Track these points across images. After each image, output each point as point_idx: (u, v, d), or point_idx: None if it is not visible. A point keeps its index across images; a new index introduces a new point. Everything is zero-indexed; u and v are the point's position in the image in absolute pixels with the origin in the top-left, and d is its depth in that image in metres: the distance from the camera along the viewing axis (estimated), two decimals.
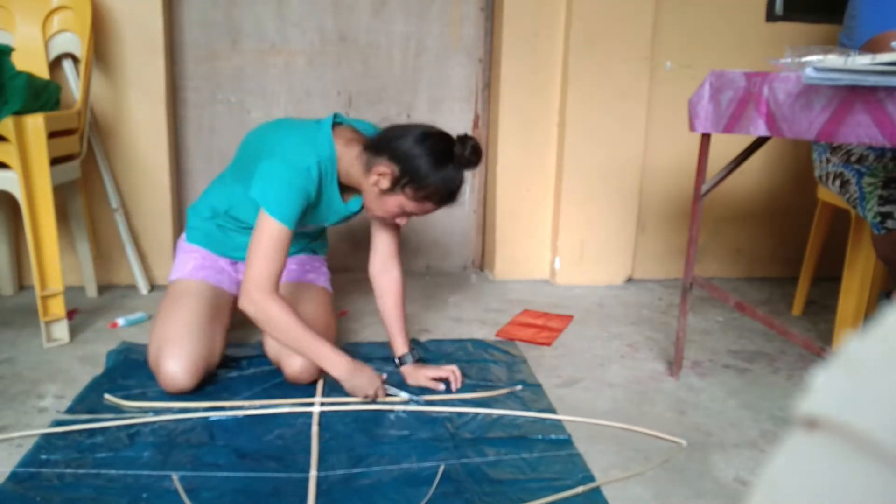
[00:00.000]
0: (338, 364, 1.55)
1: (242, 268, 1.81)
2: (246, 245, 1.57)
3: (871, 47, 1.73)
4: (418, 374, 1.69)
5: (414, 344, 1.85)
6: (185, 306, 1.66)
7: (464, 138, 1.54)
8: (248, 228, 1.70)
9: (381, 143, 1.56)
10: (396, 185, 1.53)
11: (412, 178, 1.51)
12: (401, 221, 1.62)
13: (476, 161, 1.54)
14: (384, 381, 1.62)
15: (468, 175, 2.74)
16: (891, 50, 1.69)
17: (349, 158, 1.60)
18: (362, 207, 1.71)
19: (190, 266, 1.78)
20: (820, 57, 1.38)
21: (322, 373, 1.67)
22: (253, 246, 1.50)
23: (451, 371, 1.69)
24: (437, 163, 1.51)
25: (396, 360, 1.74)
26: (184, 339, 1.59)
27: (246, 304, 1.50)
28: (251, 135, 1.72)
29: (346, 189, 1.67)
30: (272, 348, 1.67)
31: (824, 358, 1.38)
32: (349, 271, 2.73)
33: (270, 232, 1.49)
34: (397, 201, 1.55)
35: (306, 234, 1.89)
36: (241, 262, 1.82)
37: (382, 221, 1.67)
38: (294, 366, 1.63)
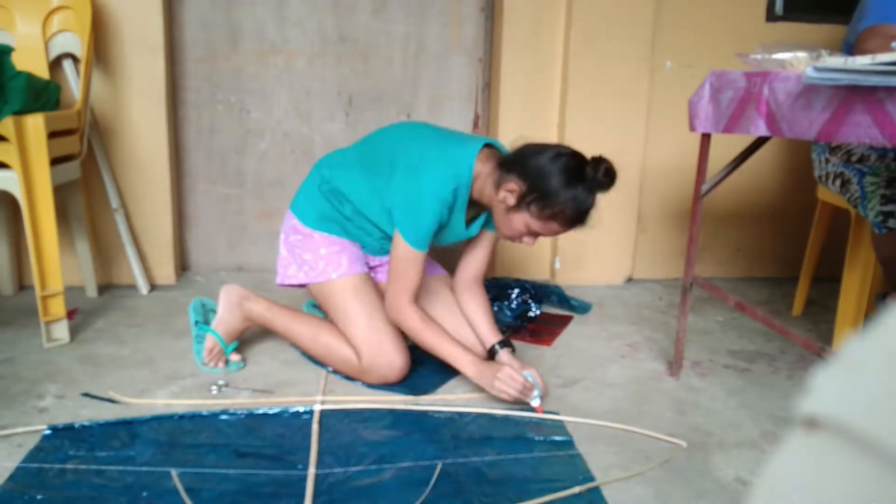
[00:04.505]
0: (465, 365, 1.59)
1: (371, 258, 1.88)
2: (375, 244, 1.79)
3: (864, 36, 1.78)
4: (521, 369, 1.60)
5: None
6: (370, 304, 1.72)
7: (597, 160, 1.51)
8: (376, 227, 1.76)
9: (513, 160, 1.56)
10: (522, 202, 1.52)
11: (539, 195, 1.50)
12: (528, 241, 1.60)
13: (608, 183, 1.50)
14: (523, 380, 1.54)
15: None
16: (882, 40, 1.72)
17: (484, 176, 1.59)
18: (483, 225, 1.74)
19: (344, 262, 1.75)
20: (791, 54, 1.39)
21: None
22: (392, 266, 1.63)
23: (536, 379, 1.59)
24: (565, 182, 1.49)
25: (490, 349, 1.71)
26: (390, 333, 1.69)
27: (391, 316, 1.67)
28: (392, 128, 1.75)
29: (472, 206, 1.67)
30: None
31: (824, 358, 1.38)
32: None
33: (406, 255, 1.60)
34: (523, 219, 1.54)
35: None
36: (370, 256, 1.87)
37: (509, 239, 1.65)
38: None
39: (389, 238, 1.81)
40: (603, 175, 1.49)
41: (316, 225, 1.77)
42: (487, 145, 1.64)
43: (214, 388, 1.66)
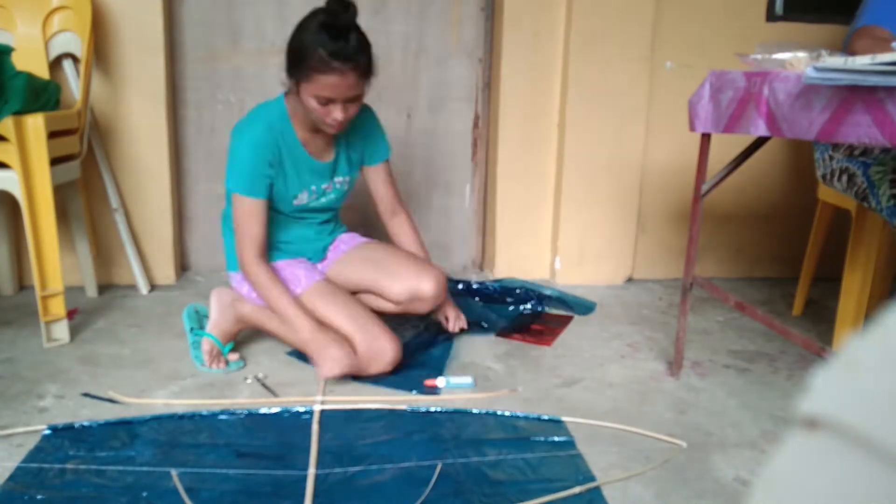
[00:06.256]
0: (304, 329, 1.64)
1: (319, 265, 1.95)
2: (303, 236, 1.86)
3: (856, 36, 1.82)
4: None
5: None
6: (344, 300, 1.78)
7: None
8: (298, 223, 1.86)
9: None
10: (294, 79, 1.60)
11: (294, 61, 1.58)
12: (336, 117, 1.62)
13: (340, 9, 1.53)
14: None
15: (468, 174, 2.75)
16: (872, 41, 1.73)
17: (295, 103, 1.68)
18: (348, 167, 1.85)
19: (301, 276, 1.80)
20: (791, 54, 1.39)
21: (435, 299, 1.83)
22: (234, 224, 1.71)
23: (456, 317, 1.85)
24: (303, 31, 1.58)
25: None
26: (375, 319, 1.75)
27: (242, 271, 1.73)
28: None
29: (318, 134, 1.76)
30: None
31: (824, 358, 1.38)
32: None
33: (242, 207, 1.68)
34: (305, 93, 1.60)
35: (321, 211, 1.91)
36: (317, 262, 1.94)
37: (328, 128, 1.68)
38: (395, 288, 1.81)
39: (321, 233, 1.92)
40: (334, 4, 1.53)
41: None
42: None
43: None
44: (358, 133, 1.86)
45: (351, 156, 1.87)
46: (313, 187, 1.81)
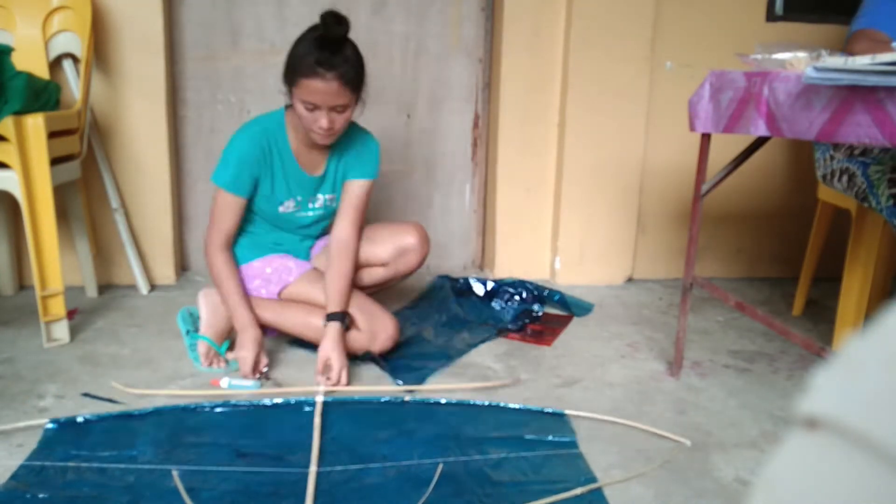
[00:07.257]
0: (239, 324, 1.72)
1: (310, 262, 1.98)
2: (287, 241, 1.91)
3: (853, 39, 1.83)
4: (330, 351, 1.67)
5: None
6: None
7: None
8: (283, 229, 1.90)
9: None
10: (287, 84, 1.68)
11: (287, 68, 1.67)
12: (323, 125, 1.65)
13: (330, 23, 1.59)
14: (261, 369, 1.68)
15: (468, 174, 2.75)
16: (869, 44, 1.74)
17: (294, 116, 1.74)
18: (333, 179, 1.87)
19: (291, 265, 1.87)
20: (791, 54, 1.39)
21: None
22: (211, 212, 1.79)
23: (339, 371, 1.66)
24: (297, 42, 1.66)
25: (325, 317, 1.75)
26: (368, 297, 1.86)
27: (205, 255, 1.79)
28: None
29: (315, 149, 1.82)
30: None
31: (824, 358, 1.38)
32: None
33: (220, 200, 1.76)
34: (295, 98, 1.66)
35: (309, 226, 1.94)
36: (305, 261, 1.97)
37: (316, 136, 1.71)
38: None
39: (306, 236, 1.95)
40: (328, 18, 1.59)
41: (248, 258, 1.88)
42: None
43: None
44: (352, 154, 1.87)
45: (338, 177, 1.89)
46: (299, 198, 1.85)
